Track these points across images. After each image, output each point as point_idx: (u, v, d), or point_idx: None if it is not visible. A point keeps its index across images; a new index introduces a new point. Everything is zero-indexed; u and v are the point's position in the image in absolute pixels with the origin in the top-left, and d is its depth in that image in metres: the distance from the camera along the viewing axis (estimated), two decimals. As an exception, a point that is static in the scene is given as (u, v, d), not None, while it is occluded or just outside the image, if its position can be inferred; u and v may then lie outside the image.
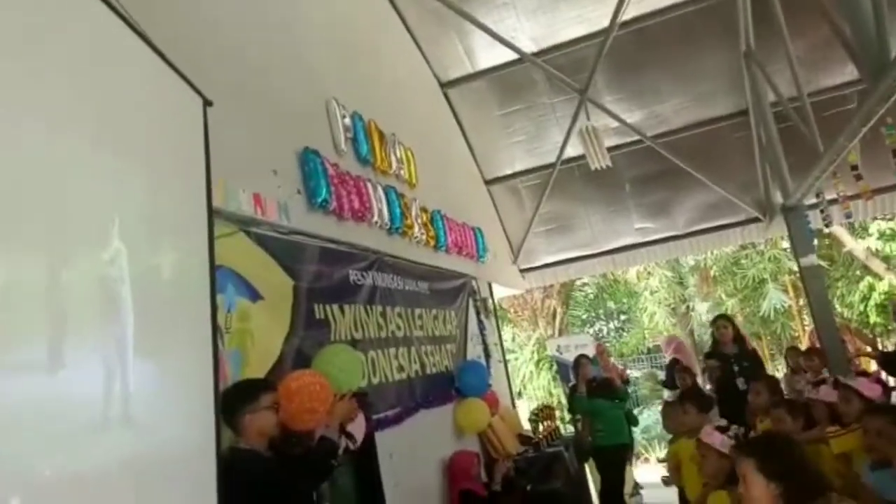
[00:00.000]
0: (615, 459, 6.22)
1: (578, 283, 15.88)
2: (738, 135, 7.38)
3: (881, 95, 3.55)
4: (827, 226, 6.52)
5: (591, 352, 7.88)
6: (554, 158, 7.71)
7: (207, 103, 2.49)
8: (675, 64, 6.97)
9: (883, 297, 11.24)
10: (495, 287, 7.64)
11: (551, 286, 13.06)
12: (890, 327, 10.84)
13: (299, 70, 3.99)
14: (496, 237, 7.96)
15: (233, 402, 2.40)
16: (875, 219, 11.09)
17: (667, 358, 7.06)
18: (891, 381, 4.68)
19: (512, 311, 14.24)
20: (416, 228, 5.05)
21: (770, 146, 6.56)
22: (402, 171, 5.07)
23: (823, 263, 10.67)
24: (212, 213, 2.39)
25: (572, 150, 7.50)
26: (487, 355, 6.29)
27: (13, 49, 1.46)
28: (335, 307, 3.66)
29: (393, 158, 4.94)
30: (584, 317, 16.46)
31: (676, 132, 7.47)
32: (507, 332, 13.79)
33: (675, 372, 6.78)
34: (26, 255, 1.44)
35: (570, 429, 7.27)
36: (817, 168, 4.95)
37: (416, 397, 4.44)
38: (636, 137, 7.42)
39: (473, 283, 6.36)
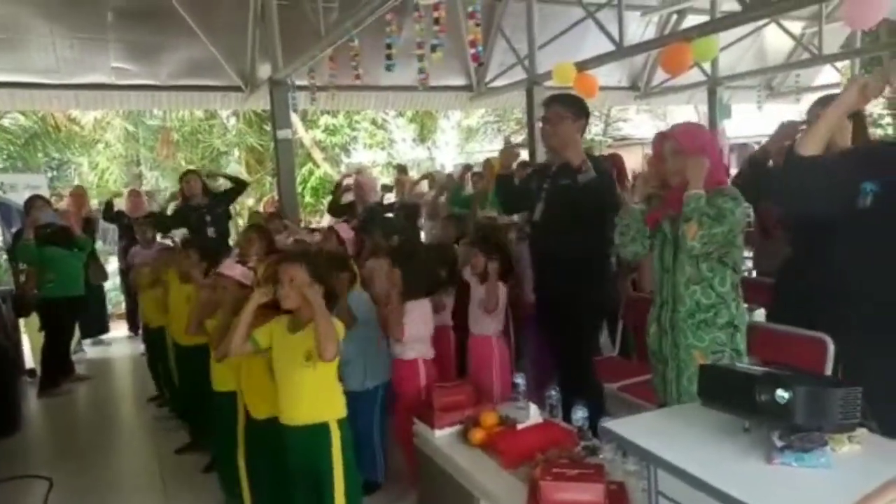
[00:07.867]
0: (65, 313, 5.78)
1: (6, 121, 12.93)
2: (239, -1, 7.28)
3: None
4: (313, 100, 7.20)
5: (47, 193, 6.68)
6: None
7: None
8: None
9: (317, 181, 13.39)
10: None
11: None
12: (319, 207, 13.01)
13: None
14: None
15: None
16: (324, 113, 12.97)
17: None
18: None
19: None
20: None
21: (267, 20, 6.72)
22: None
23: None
24: None
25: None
26: None
27: None
28: None
29: None
30: (3, 166, 13.43)
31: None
32: None
33: (135, 224, 6.55)
34: None
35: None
36: (316, 48, 5.43)
37: None
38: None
39: None
